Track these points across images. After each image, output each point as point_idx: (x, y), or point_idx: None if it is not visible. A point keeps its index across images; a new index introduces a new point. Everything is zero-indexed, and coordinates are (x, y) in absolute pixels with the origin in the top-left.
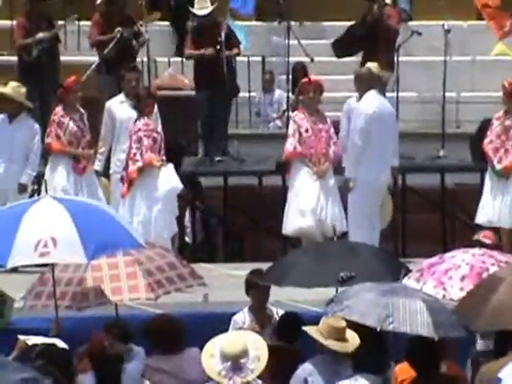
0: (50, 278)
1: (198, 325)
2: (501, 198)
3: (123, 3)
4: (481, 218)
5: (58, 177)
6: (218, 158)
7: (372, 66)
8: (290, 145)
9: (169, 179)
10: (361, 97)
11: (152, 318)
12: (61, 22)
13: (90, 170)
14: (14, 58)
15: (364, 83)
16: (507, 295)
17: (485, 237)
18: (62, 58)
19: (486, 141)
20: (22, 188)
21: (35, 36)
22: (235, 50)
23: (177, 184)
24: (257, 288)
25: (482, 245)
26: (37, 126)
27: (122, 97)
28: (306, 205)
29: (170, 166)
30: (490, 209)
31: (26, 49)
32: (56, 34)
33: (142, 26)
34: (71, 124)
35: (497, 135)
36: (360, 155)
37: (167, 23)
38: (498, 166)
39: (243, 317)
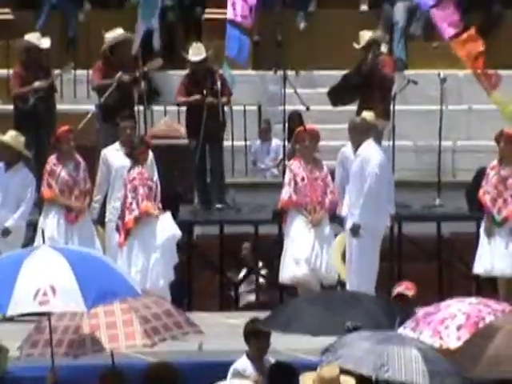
0: (47, 326)
1: (194, 373)
2: (498, 248)
3: (126, 51)
4: (478, 268)
5: (48, 225)
6: (217, 206)
7: (367, 115)
8: (286, 193)
9: (167, 227)
10: (356, 147)
11: (149, 365)
12: (57, 71)
13: (82, 219)
14: (10, 107)
15: (359, 133)
16: (504, 344)
17: (407, 289)
18: (59, 107)
19: (481, 191)
20: (5, 232)
21: (32, 85)
22: (224, 99)
23: (175, 232)
24: (258, 336)
25: (402, 297)
26: (31, 175)
27: (117, 145)
28: (301, 253)
29: (168, 214)
30: (488, 258)
31: (22, 97)
32: (52, 82)
33: (143, 72)
34: (63, 173)
35: (493, 185)
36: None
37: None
38: (498, 217)
39: (243, 365)
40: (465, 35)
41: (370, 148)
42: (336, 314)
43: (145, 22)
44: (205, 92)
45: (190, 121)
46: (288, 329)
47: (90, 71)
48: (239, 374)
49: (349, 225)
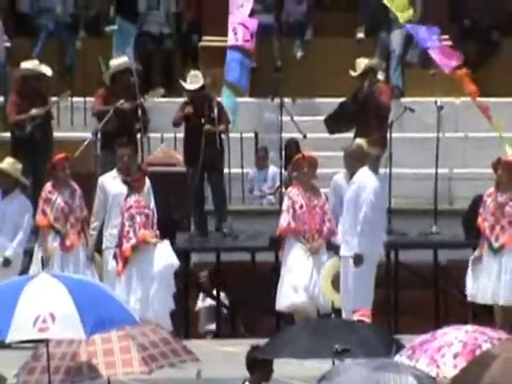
0: (44, 354)
1: None
2: (494, 276)
3: (128, 79)
4: (474, 295)
5: (44, 253)
6: (225, 230)
7: (361, 142)
8: (284, 220)
9: (165, 256)
10: (351, 173)
11: None
12: (54, 99)
13: (77, 247)
14: (7, 134)
15: (355, 160)
16: (500, 372)
17: (363, 315)
18: (55, 134)
19: (480, 218)
20: (6, 262)
21: (29, 112)
22: (222, 126)
23: (173, 261)
24: (262, 365)
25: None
26: (28, 202)
27: (114, 172)
28: (299, 281)
29: (167, 243)
30: (483, 286)
31: (19, 125)
32: (49, 110)
33: (144, 101)
34: (58, 200)
35: (490, 212)
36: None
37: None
38: (496, 244)
39: None
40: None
41: (365, 175)
42: (327, 338)
43: (118, 51)
44: (203, 120)
45: (188, 148)
46: (277, 354)
47: (87, 98)
48: None
49: (343, 252)
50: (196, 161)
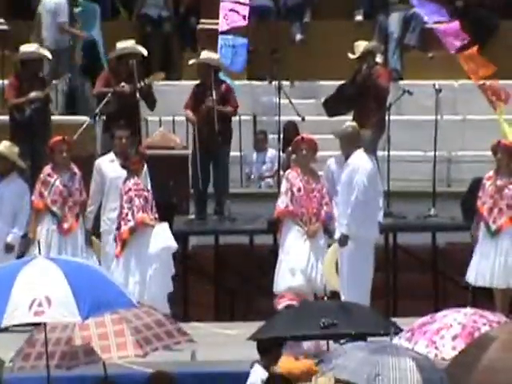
0: (39, 339)
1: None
2: (493, 258)
3: (132, 61)
4: (471, 277)
5: (41, 236)
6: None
7: (355, 125)
8: (282, 203)
9: (163, 238)
10: (346, 157)
11: (150, 375)
12: (53, 82)
13: (75, 231)
14: (6, 118)
15: (350, 142)
16: (498, 354)
17: (290, 300)
18: (54, 118)
19: (479, 202)
20: (9, 247)
21: (27, 95)
22: (229, 108)
23: (171, 243)
24: (273, 348)
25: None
26: (26, 185)
27: (111, 155)
28: (297, 264)
29: (165, 225)
30: (481, 268)
31: (18, 108)
32: (48, 93)
33: (145, 84)
34: (57, 183)
35: (489, 195)
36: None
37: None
38: (493, 226)
39: (260, 378)
40: (471, 51)
41: (359, 157)
42: (312, 315)
43: (87, 32)
44: (211, 99)
45: (197, 131)
46: (264, 333)
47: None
48: None
49: (337, 235)
50: (201, 144)
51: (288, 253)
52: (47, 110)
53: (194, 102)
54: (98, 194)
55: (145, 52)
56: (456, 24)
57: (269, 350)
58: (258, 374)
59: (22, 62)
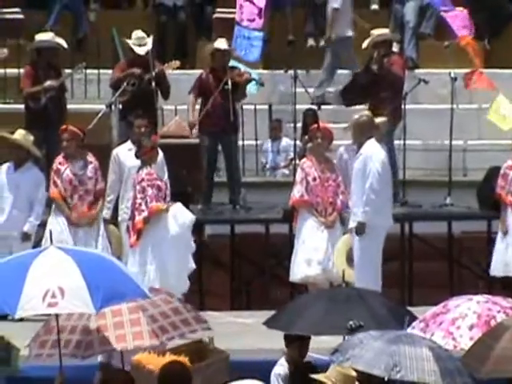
0: (55, 327)
1: None
2: (507, 248)
3: (148, 51)
4: (495, 270)
5: (56, 226)
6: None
7: (369, 114)
8: (298, 192)
9: (179, 214)
10: (359, 146)
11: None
12: (68, 71)
13: (86, 219)
14: (21, 106)
15: (363, 131)
16: (511, 343)
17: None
18: (69, 107)
19: (503, 192)
20: (26, 236)
21: (43, 84)
22: (246, 75)
23: (188, 216)
24: (303, 341)
25: None
26: (41, 174)
27: (129, 144)
28: (313, 254)
29: (179, 204)
30: (504, 258)
31: (33, 97)
32: (63, 82)
33: (158, 71)
34: (67, 171)
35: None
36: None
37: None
38: None
39: (284, 370)
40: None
41: (372, 146)
42: (338, 313)
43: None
44: (227, 84)
45: (204, 119)
46: (291, 328)
47: (101, 71)
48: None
49: (352, 223)
50: (212, 131)
51: (304, 242)
52: (62, 99)
53: (199, 90)
54: (116, 183)
55: (64, 44)
56: (465, 13)
57: (295, 341)
58: (283, 366)
59: (38, 50)
